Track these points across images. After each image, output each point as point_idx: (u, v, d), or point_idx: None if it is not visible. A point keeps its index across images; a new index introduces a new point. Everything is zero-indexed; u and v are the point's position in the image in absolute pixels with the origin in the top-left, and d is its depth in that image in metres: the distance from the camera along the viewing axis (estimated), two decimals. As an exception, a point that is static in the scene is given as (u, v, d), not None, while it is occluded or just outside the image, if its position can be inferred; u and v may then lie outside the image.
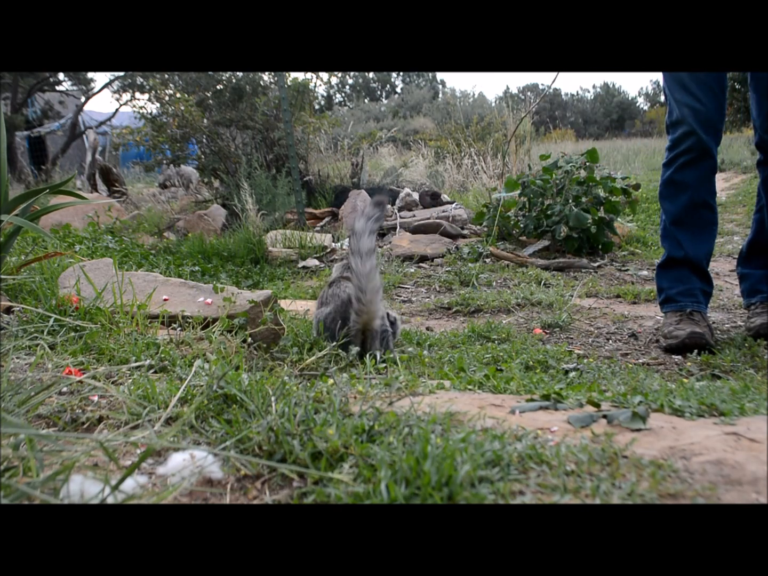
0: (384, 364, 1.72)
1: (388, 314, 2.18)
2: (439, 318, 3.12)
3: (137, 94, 12.25)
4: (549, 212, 4.63)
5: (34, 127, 15.91)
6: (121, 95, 13.47)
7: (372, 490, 0.81)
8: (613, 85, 33.61)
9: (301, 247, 4.91)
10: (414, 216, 6.04)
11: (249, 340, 2.02)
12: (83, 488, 0.79)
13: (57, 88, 16.81)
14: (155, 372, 1.54)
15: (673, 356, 2.32)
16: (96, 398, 1.25)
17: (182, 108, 6.84)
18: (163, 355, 1.63)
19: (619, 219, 4.79)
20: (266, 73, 7.32)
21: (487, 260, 4.42)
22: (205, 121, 7.14)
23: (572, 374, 2.06)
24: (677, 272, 2.47)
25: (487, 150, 8.27)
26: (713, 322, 2.75)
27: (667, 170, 2.45)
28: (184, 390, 1.20)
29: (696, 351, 2.25)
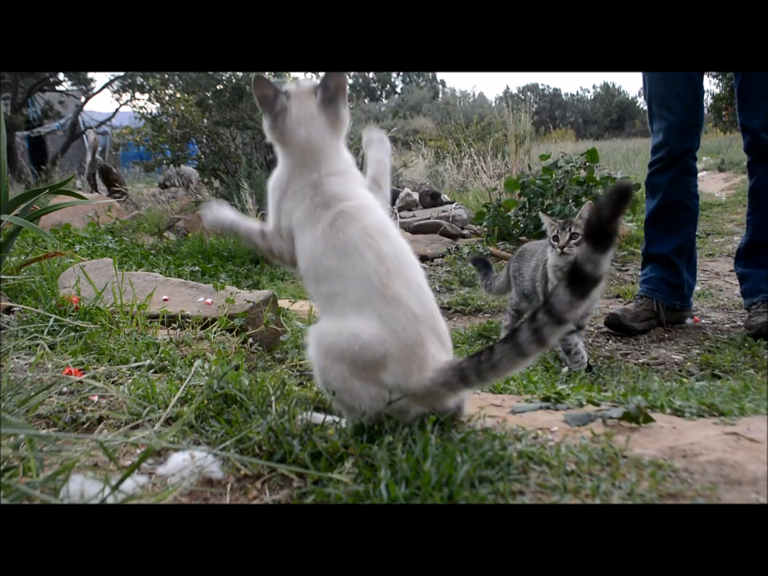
0: None
1: None
2: (439, 318, 3.12)
3: (137, 94, 12.25)
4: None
5: (34, 127, 15.89)
6: (121, 95, 13.46)
7: (372, 490, 0.81)
8: (613, 85, 33.53)
9: (301, 247, 4.90)
10: (414, 216, 6.04)
11: (249, 340, 2.02)
12: (83, 488, 0.79)
13: (57, 88, 16.79)
14: (155, 372, 1.54)
15: (674, 355, 2.32)
16: (96, 398, 1.25)
17: (182, 108, 6.83)
18: (163, 355, 1.63)
19: (619, 219, 4.78)
20: (266, 73, 7.31)
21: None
22: (205, 121, 7.13)
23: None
24: (647, 264, 2.78)
25: (487, 150, 8.26)
26: (713, 322, 2.75)
27: (647, 174, 2.74)
28: (184, 390, 1.20)
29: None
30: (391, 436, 0.94)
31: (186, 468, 0.91)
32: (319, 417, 1.05)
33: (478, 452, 0.88)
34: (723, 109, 17.47)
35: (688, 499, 0.80)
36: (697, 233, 3.13)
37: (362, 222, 1.03)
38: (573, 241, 2.15)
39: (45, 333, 1.71)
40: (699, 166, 2.96)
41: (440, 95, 32.89)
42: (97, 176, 9.94)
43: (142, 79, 11.52)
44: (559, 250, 2.16)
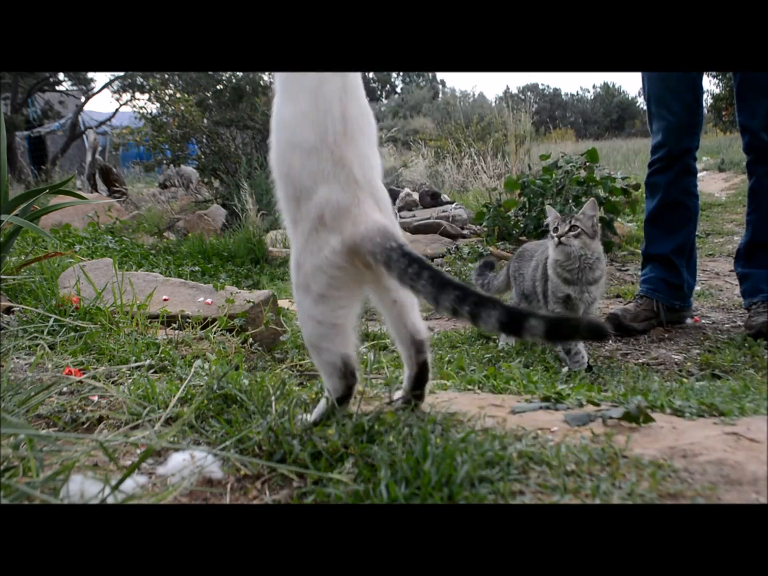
0: None
1: None
2: (439, 318, 3.12)
3: (137, 94, 12.25)
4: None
5: (34, 127, 15.88)
6: (121, 95, 13.46)
7: (372, 490, 0.81)
8: (613, 85, 33.48)
9: (301, 247, 4.91)
10: (414, 216, 6.05)
11: (249, 340, 2.03)
12: (83, 488, 0.79)
13: (57, 88, 16.79)
14: (155, 372, 1.54)
15: (678, 355, 2.32)
16: (96, 398, 1.25)
17: (182, 108, 6.84)
18: (163, 355, 1.63)
19: (619, 219, 4.79)
20: (266, 73, 7.31)
21: (487, 260, 4.41)
22: (205, 121, 7.14)
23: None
24: (647, 264, 2.78)
25: (487, 150, 8.26)
26: (713, 322, 2.75)
27: (647, 174, 2.75)
28: (184, 390, 1.20)
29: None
30: (391, 436, 0.94)
31: (186, 468, 0.91)
32: (316, 411, 1.06)
33: (478, 452, 0.88)
34: (723, 109, 17.46)
35: (688, 499, 0.80)
36: (697, 233, 3.13)
37: (345, 77, 1.06)
38: (572, 233, 2.13)
39: (45, 333, 1.71)
40: (699, 166, 2.97)
41: (440, 95, 32.87)
42: (97, 176, 9.95)
43: (142, 79, 11.52)
44: (556, 239, 2.15)
